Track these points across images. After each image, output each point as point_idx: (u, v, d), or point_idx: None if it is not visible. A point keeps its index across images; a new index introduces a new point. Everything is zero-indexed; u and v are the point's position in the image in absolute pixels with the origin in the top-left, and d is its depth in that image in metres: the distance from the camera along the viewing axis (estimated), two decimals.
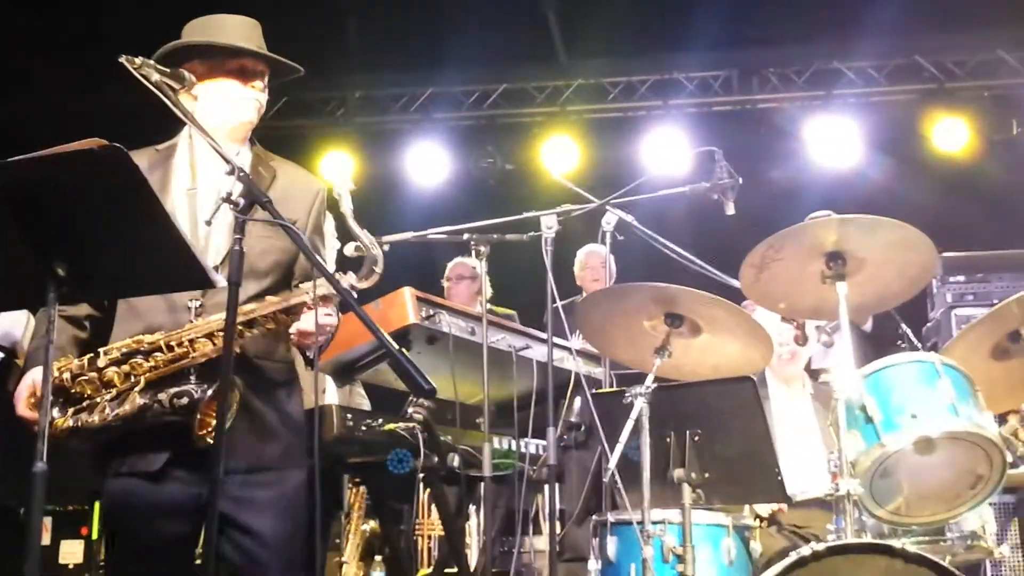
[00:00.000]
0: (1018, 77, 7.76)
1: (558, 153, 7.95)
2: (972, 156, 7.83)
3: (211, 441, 2.44)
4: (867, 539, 3.05)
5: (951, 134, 7.79)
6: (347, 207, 2.56)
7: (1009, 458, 3.13)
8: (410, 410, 3.68)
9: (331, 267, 2.84)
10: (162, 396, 2.49)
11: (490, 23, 7.16)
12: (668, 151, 7.63)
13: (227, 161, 2.46)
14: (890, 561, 2.81)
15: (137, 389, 2.54)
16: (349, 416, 3.49)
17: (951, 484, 3.18)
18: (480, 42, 7.27)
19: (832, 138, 7.85)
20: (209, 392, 2.46)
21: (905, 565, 2.80)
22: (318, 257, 2.51)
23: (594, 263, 5.99)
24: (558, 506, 5.25)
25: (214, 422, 2.44)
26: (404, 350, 3.48)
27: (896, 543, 2.86)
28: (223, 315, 2.40)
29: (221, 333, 2.48)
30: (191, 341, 2.53)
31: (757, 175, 7.59)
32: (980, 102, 7.86)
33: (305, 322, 2.59)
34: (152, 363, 2.55)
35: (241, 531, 2.61)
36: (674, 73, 8.08)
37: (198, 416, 2.47)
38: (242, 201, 2.36)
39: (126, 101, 3.01)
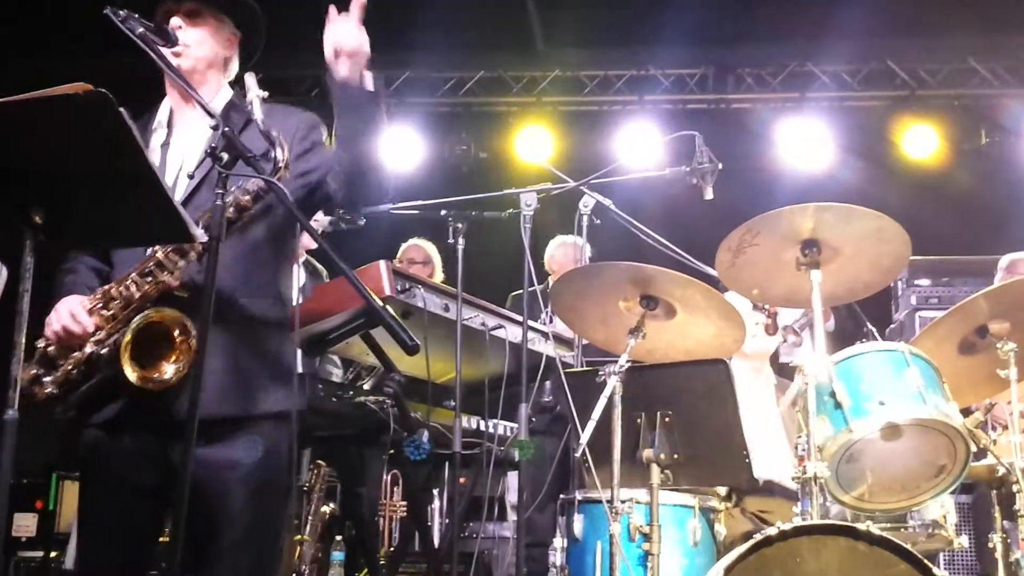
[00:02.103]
0: (988, 87, 7.89)
1: (532, 143, 7.97)
2: (941, 163, 7.95)
3: (154, 387, 2.43)
4: (835, 520, 3.08)
5: (921, 141, 7.91)
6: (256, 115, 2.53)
7: (973, 449, 3.18)
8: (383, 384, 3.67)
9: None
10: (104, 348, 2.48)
11: (469, 10, 7.15)
12: (642, 146, 7.66)
13: (211, 115, 2.43)
14: (853, 543, 2.85)
15: (94, 339, 2.51)
16: (320, 386, 3.47)
17: (915, 472, 3.23)
18: (458, 28, 7.27)
19: (804, 140, 7.93)
20: (128, 336, 2.42)
21: (868, 547, 2.83)
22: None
23: (567, 253, 5.97)
24: (529, 491, 5.28)
25: (167, 365, 2.43)
26: (375, 323, 3.51)
27: (860, 526, 2.89)
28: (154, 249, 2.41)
29: (157, 270, 2.46)
30: (130, 284, 2.51)
31: (730, 173, 7.63)
32: (950, 110, 7.98)
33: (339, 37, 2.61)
34: (110, 312, 2.52)
35: (201, 492, 2.55)
36: (650, 69, 8.12)
37: (126, 361, 2.43)
38: (225, 156, 2.33)
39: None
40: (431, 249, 5.81)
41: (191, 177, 2.56)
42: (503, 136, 8.14)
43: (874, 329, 4.93)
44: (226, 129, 2.35)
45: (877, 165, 8.05)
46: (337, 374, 4.60)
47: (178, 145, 2.76)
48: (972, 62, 7.84)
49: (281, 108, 2.88)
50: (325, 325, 3.46)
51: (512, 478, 5.75)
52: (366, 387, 4.10)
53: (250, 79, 2.81)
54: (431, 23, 7.17)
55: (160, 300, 2.52)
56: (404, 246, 6.00)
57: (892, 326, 6.50)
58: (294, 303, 2.79)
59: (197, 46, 2.77)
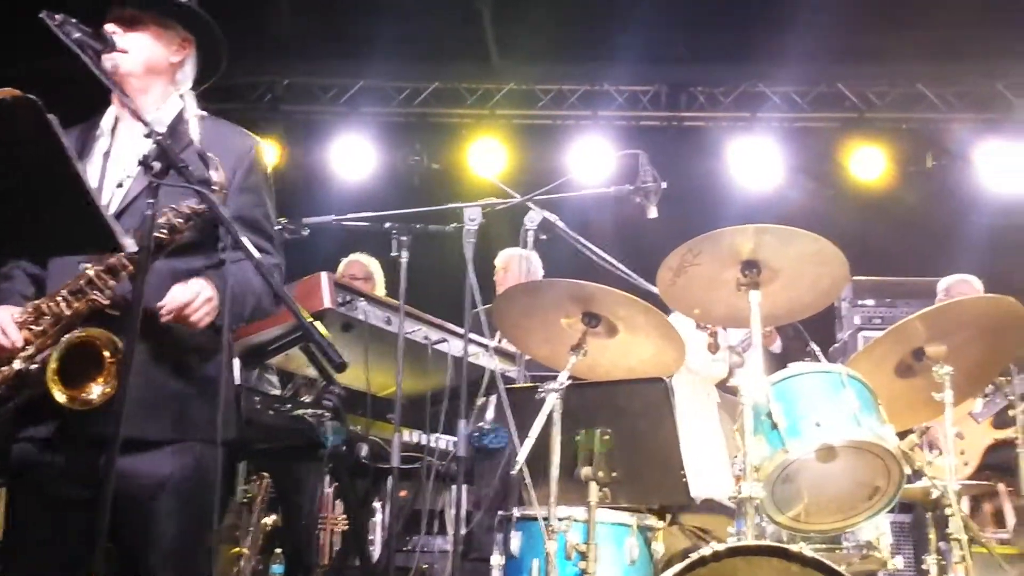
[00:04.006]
0: (936, 112, 8.02)
1: (485, 155, 7.96)
2: (888, 185, 8.07)
3: (80, 407, 2.40)
4: (768, 542, 3.09)
5: (869, 162, 8.02)
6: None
7: (907, 471, 3.21)
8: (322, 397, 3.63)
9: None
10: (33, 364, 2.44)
11: (424, 21, 7.14)
12: (594, 161, 7.68)
13: (145, 123, 2.39)
14: (786, 564, 2.86)
15: (23, 355, 2.48)
16: (256, 399, 3.42)
17: (850, 494, 3.25)
18: (413, 39, 7.25)
19: (755, 159, 8.01)
20: (54, 362, 2.38)
21: (801, 568, 2.85)
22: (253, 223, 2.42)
23: (515, 266, 5.96)
24: (466, 507, 5.25)
25: (95, 386, 2.39)
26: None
27: (793, 547, 2.90)
28: (86, 268, 2.35)
29: (88, 288, 2.42)
30: (60, 301, 2.46)
31: (681, 191, 7.69)
32: (898, 133, 8.10)
33: (174, 296, 2.51)
34: (40, 327, 2.47)
35: (130, 511, 2.52)
36: (604, 85, 8.16)
37: (53, 383, 2.39)
38: (157, 165, 2.29)
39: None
40: (373, 265, 5.75)
41: (119, 186, 2.51)
42: (457, 148, 8.13)
43: (818, 349, 4.98)
44: (159, 138, 2.31)
45: (826, 186, 8.16)
46: (276, 387, 4.54)
47: (119, 154, 2.71)
48: (920, 87, 7.98)
49: (229, 128, 2.86)
50: (263, 336, 3.42)
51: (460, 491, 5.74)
52: (306, 400, 4.05)
53: (188, 96, 2.77)
54: (386, 33, 7.15)
55: (92, 317, 2.47)
56: (345, 261, 5.93)
57: (836, 345, 6.57)
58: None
59: (135, 51, 2.72)
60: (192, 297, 2.48)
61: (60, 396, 2.40)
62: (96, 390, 2.42)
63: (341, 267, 5.97)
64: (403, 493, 4.41)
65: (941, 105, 7.99)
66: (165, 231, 2.40)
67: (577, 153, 7.91)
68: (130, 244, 2.30)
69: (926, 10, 7.00)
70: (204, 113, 2.72)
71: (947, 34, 7.22)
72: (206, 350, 2.63)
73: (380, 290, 5.76)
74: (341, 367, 2.12)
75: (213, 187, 2.42)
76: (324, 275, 3.49)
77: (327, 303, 3.47)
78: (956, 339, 3.44)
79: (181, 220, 2.42)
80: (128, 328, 2.27)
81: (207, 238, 2.63)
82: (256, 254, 2.36)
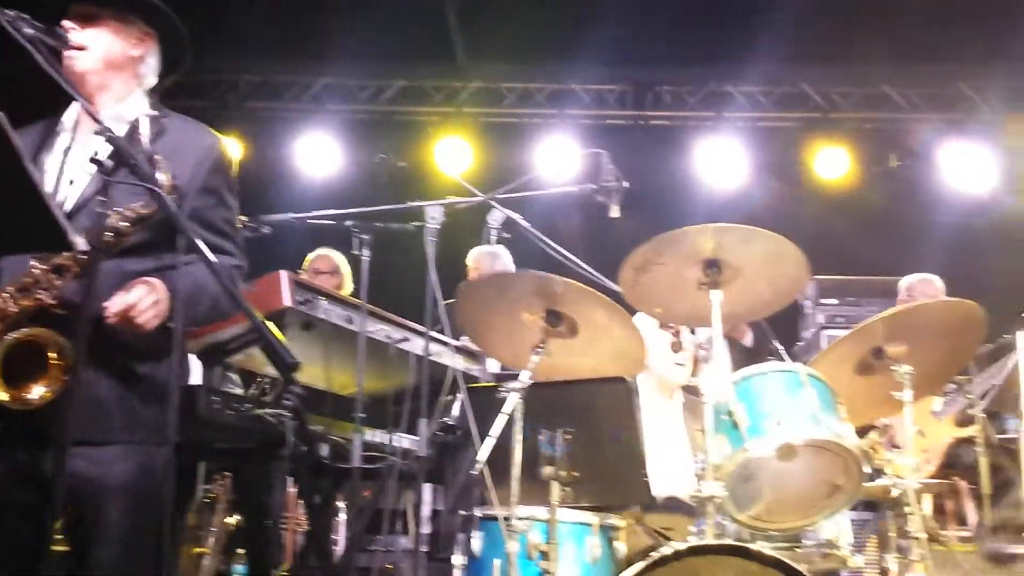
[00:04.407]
0: (899, 112, 8.10)
1: (452, 153, 7.94)
2: (852, 185, 8.13)
3: (19, 407, 2.36)
4: (728, 540, 3.09)
5: (833, 162, 8.08)
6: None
7: (867, 469, 3.23)
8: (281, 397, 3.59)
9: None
10: None
11: (390, 19, 7.10)
12: (561, 160, 7.68)
13: (97, 120, 2.35)
14: (745, 563, 2.86)
15: None
16: (216, 399, 3.38)
17: (810, 492, 3.26)
18: (379, 36, 7.21)
19: (720, 158, 8.04)
20: None
21: (760, 567, 2.85)
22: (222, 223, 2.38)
23: (486, 263, 5.94)
24: (434, 506, 5.22)
25: (36, 387, 2.35)
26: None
27: (752, 546, 2.91)
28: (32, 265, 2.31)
29: (34, 286, 2.38)
30: (7, 298, 2.41)
31: (648, 190, 7.71)
32: (862, 133, 8.17)
33: (120, 298, 2.45)
34: None
35: (80, 513, 2.48)
36: (571, 84, 8.16)
37: None
38: (109, 162, 2.25)
39: None
40: (340, 259, 5.72)
41: (72, 183, 2.47)
42: (423, 146, 8.09)
43: (781, 347, 5.01)
44: (110, 135, 2.26)
45: (790, 185, 8.21)
46: (237, 386, 4.49)
47: (77, 151, 2.66)
48: (884, 87, 8.05)
49: (191, 126, 2.82)
50: (222, 335, 3.38)
51: (423, 491, 5.72)
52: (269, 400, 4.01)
53: (139, 95, 2.73)
54: (351, 31, 7.11)
55: (39, 316, 2.42)
56: (311, 256, 5.90)
57: (800, 344, 6.61)
58: None
59: (93, 47, 2.68)
60: (138, 299, 2.44)
61: (2, 395, 2.35)
62: (37, 391, 2.37)
63: (307, 261, 5.95)
64: (367, 493, 4.38)
65: (905, 105, 8.07)
66: (111, 233, 2.36)
67: (544, 152, 7.91)
68: (80, 243, 2.26)
69: (890, 11, 7.06)
70: (155, 112, 2.67)
71: (911, 35, 7.28)
72: (156, 352, 2.59)
73: (348, 285, 5.73)
74: (293, 368, 2.09)
75: (159, 188, 2.37)
76: (284, 273, 3.45)
77: (287, 301, 3.44)
78: (916, 340, 3.47)
79: (127, 223, 2.37)
80: (76, 329, 2.23)
81: (162, 239, 2.57)
82: (212, 257, 2.32)
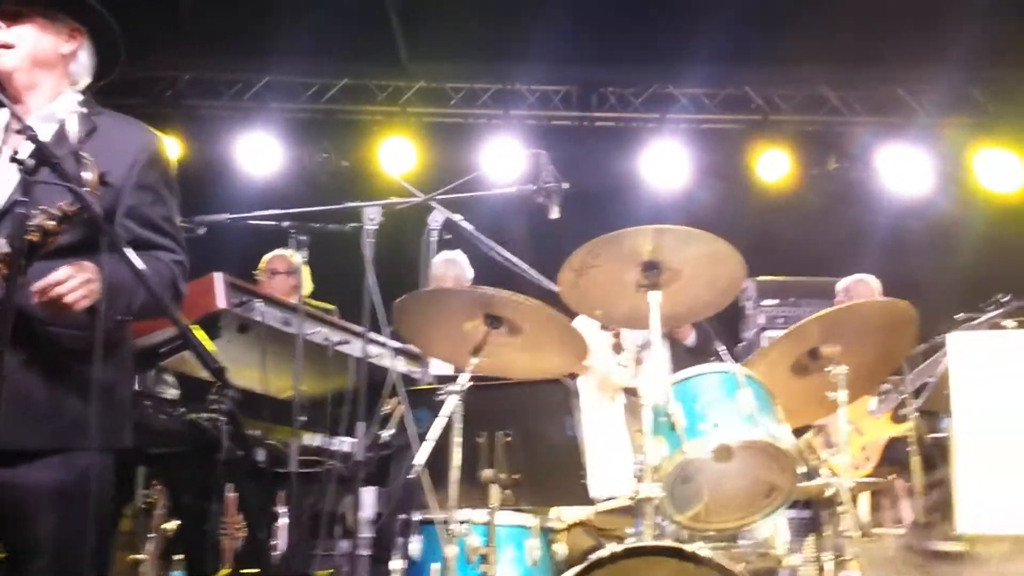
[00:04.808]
0: (838, 115, 8.22)
1: (395, 154, 7.89)
2: (792, 187, 8.23)
3: None
4: (664, 542, 3.10)
5: (774, 164, 8.18)
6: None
7: (802, 470, 3.26)
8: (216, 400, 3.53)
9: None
10: None
11: (333, 16, 7.03)
12: (505, 160, 7.67)
13: (19, 119, 2.29)
14: (682, 564, 2.87)
15: None
16: (148, 403, 3.31)
17: (747, 492, 3.29)
18: (321, 34, 7.14)
19: (664, 159, 8.10)
20: None
21: (696, 568, 2.87)
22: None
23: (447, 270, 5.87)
24: (378, 510, 5.18)
25: None
26: (211, 336, 3.38)
27: (688, 547, 2.92)
28: None
29: None
30: None
31: (592, 190, 7.74)
32: (802, 136, 8.28)
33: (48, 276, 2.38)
34: None
35: (13, 521, 2.42)
36: (516, 84, 8.16)
37: None
38: (31, 161, 2.19)
39: None
40: (297, 260, 5.66)
41: None
42: (366, 145, 8.03)
43: (724, 348, 5.05)
44: (31, 133, 2.20)
45: (733, 186, 8.29)
46: (172, 392, 4.42)
47: (7, 152, 2.58)
48: (823, 90, 8.16)
49: (127, 123, 2.76)
50: (154, 339, 3.31)
51: (365, 494, 5.67)
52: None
53: (71, 93, 2.67)
54: (292, 28, 7.03)
55: None
56: (267, 256, 5.84)
57: (741, 344, 6.67)
58: None
59: (19, 45, 2.62)
60: (65, 277, 2.36)
61: None
62: None
63: (264, 261, 5.91)
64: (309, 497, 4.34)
65: (843, 109, 8.19)
66: (37, 233, 2.29)
67: (489, 152, 7.89)
68: (1, 244, 2.20)
69: (829, 15, 7.15)
70: (85, 109, 2.61)
71: (849, 39, 7.38)
72: (92, 352, 2.50)
73: (307, 286, 5.67)
74: (218, 373, 2.05)
75: (84, 186, 2.31)
76: (218, 275, 3.40)
77: (221, 304, 3.38)
78: (851, 340, 3.50)
79: (53, 222, 2.31)
80: (1, 334, 2.16)
81: (92, 239, 2.52)
82: (137, 260, 2.26)
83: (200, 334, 2.20)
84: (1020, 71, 7.65)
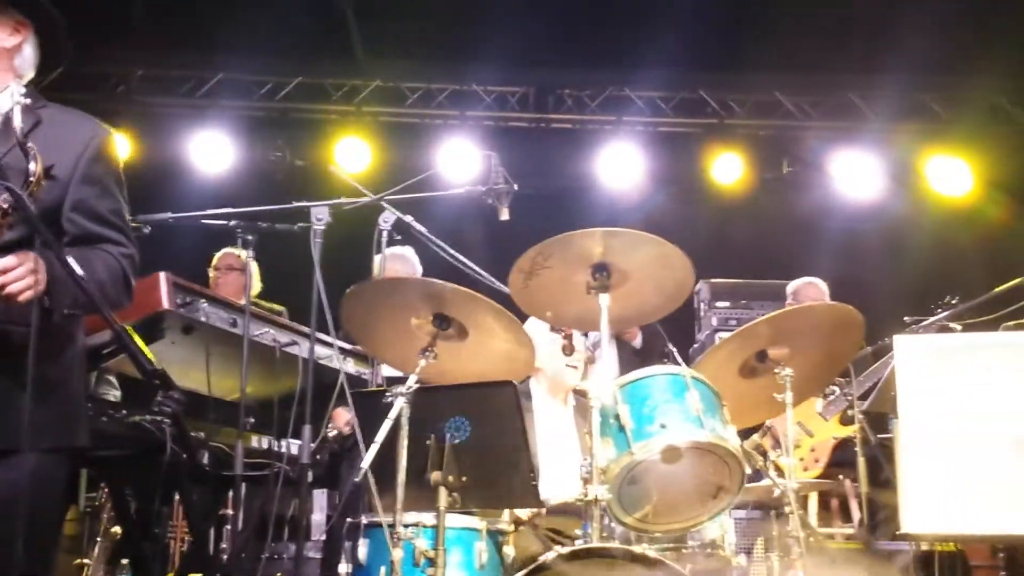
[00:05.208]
0: (791, 120, 8.29)
1: (351, 153, 7.83)
2: (746, 190, 8.29)
3: None
4: (610, 544, 3.10)
5: (728, 168, 8.23)
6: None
7: (748, 470, 3.28)
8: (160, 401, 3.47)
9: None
10: None
11: (287, 13, 6.97)
12: (462, 161, 7.64)
13: None
14: (630, 566, 2.87)
15: None
16: (89, 405, 3.24)
17: (695, 494, 3.29)
18: (276, 32, 7.07)
19: (620, 162, 8.12)
20: None
21: (644, 570, 2.87)
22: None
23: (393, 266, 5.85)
24: (329, 512, 5.12)
25: None
26: (156, 337, 3.31)
27: (637, 549, 2.92)
28: None
29: None
30: None
31: (549, 193, 7.75)
32: (756, 140, 8.34)
33: None
34: None
35: None
36: (473, 85, 8.14)
37: None
38: None
39: None
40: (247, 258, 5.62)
41: None
42: (321, 145, 7.97)
43: (675, 350, 5.06)
44: None
45: (688, 189, 8.34)
46: (115, 394, 4.34)
47: None
48: (777, 95, 8.23)
49: (75, 116, 2.71)
50: (95, 340, 3.24)
51: (316, 497, 5.61)
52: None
53: (14, 85, 2.61)
54: (247, 26, 6.95)
55: None
56: (220, 253, 5.79)
57: (695, 345, 6.71)
58: None
59: None
60: (10, 265, 2.31)
61: None
62: None
63: (216, 258, 5.88)
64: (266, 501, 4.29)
65: (797, 113, 8.27)
66: None
67: (445, 153, 7.86)
68: None
69: (784, 20, 7.22)
70: (28, 101, 2.55)
71: (804, 45, 7.46)
72: (45, 349, 2.44)
73: (256, 284, 5.62)
74: (152, 376, 2.01)
75: (30, 178, 2.26)
76: (163, 275, 3.33)
77: (166, 304, 3.32)
78: (798, 342, 3.54)
79: None
80: None
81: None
82: (74, 264, 2.21)
83: (135, 336, 2.14)
84: (971, 78, 7.78)
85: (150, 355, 2.17)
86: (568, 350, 4.09)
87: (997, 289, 4.89)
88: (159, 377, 2.01)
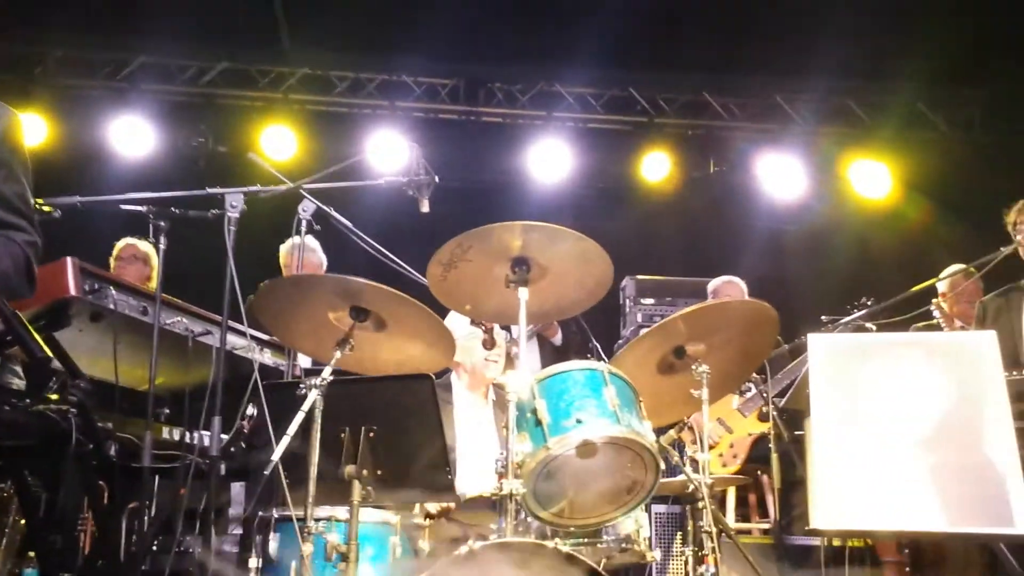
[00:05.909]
0: (719, 120, 8.38)
1: (276, 141, 7.71)
2: (673, 188, 8.37)
3: None
4: (525, 538, 3.09)
5: (656, 166, 8.30)
6: None
7: (663, 466, 3.29)
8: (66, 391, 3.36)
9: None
10: None
11: None
12: (390, 152, 7.56)
13: None
14: (542, 560, 2.86)
15: None
16: None
17: (610, 488, 3.29)
18: (200, 15, 6.92)
19: (549, 157, 8.13)
20: None
21: (558, 564, 2.86)
22: None
23: (293, 256, 5.77)
24: (246, 506, 5.02)
25: None
26: (62, 324, 3.21)
27: (550, 543, 2.91)
28: None
29: None
30: None
31: (477, 186, 7.73)
32: (684, 139, 8.42)
33: None
34: None
35: None
36: (403, 75, 8.07)
37: None
38: None
39: None
40: (149, 249, 5.50)
41: None
42: (245, 132, 7.82)
43: (598, 346, 5.07)
44: None
45: (616, 186, 8.38)
46: (18, 382, 4.20)
47: None
48: (705, 95, 8.31)
49: None
50: None
51: (232, 490, 5.50)
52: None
53: None
54: (170, 7, 6.79)
55: None
56: (121, 243, 5.65)
57: (620, 342, 6.74)
58: None
59: None
60: None
61: None
62: None
63: (118, 248, 5.75)
64: (182, 491, 4.19)
65: (724, 114, 8.36)
66: None
67: (373, 144, 7.78)
68: None
69: (713, 21, 7.29)
70: None
71: (731, 47, 7.54)
72: None
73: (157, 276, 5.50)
74: (41, 363, 1.94)
75: None
76: (69, 260, 3.22)
77: (72, 290, 3.21)
78: (715, 339, 3.57)
79: None
80: None
81: None
82: None
83: (27, 324, 2.06)
84: (893, 84, 7.95)
85: (41, 343, 2.08)
86: (489, 344, 4.07)
87: (911, 290, 5.01)
88: (48, 365, 1.93)
